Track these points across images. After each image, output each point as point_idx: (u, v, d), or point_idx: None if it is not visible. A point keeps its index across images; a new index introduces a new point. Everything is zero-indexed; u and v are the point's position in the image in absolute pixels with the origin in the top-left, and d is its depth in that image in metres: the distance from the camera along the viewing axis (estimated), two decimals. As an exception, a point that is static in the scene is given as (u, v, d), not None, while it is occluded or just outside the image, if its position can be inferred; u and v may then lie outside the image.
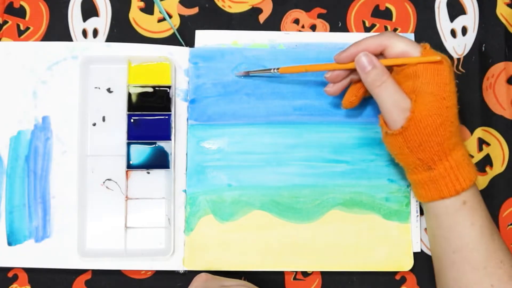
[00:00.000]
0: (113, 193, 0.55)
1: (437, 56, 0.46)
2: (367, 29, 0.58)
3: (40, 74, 0.56)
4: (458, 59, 0.57)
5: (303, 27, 0.58)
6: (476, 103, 0.57)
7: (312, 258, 0.54)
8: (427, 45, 0.47)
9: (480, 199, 0.48)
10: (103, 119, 0.55)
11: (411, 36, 0.57)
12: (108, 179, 0.55)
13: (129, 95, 0.55)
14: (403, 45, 0.47)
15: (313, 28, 0.58)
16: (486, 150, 0.56)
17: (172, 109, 0.55)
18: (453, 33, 0.58)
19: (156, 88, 0.55)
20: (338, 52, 0.49)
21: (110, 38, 0.57)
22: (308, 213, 0.54)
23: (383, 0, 0.58)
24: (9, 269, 0.55)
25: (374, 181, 0.55)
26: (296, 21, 0.58)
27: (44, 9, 0.58)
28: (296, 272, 0.55)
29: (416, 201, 0.54)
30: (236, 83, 0.56)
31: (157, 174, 0.55)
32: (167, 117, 0.55)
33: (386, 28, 0.58)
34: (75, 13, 0.58)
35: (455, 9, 0.58)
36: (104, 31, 0.58)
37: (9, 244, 0.54)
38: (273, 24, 0.58)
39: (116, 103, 0.55)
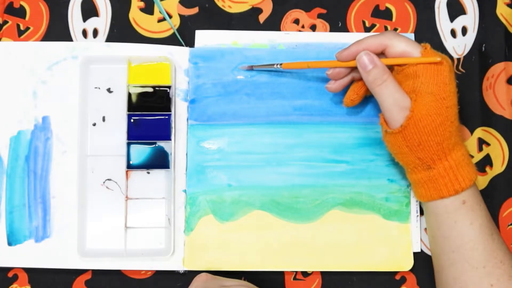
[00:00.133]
0: (113, 193, 0.55)
1: (437, 57, 0.46)
2: (367, 29, 0.58)
3: (40, 74, 0.56)
4: (458, 59, 0.57)
5: (303, 27, 0.58)
6: (476, 103, 0.57)
7: (312, 258, 0.54)
8: (428, 45, 0.47)
9: (480, 198, 0.48)
10: (103, 119, 0.55)
11: (411, 36, 0.57)
12: (108, 179, 0.55)
13: (129, 95, 0.55)
14: (403, 45, 0.47)
15: (313, 28, 0.58)
16: (486, 150, 0.56)
17: (172, 109, 0.55)
18: (453, 33, 0.58)
19: (156, 88, 0.55)
20: (338, 51, 0.49)
21: (110, 38, 0.57)
22: (308, 213, 0.54)
23: (383, 0, 0.58)
24: (9, 269, 0.55)
25: (374, 181, 0.55)
26: (296, 21, 0.58)
27: (44, 9, 0.58)
28: (296, 272, 0.55)
29: (416, 201, 0.54)
30: (236, 83, 0.56)
31: (157, 174, 0.55)
32: (167, 117, 0.55)
33: (386, 28, 0.58)
34: (75, 13, 0.58)
35: (455, 9, 0.58)
36: (104, 31, 0.58)
37: (9, 244, 0.54)
38: (273, 24, 0.58)
39: (116, 103, 0.55)
